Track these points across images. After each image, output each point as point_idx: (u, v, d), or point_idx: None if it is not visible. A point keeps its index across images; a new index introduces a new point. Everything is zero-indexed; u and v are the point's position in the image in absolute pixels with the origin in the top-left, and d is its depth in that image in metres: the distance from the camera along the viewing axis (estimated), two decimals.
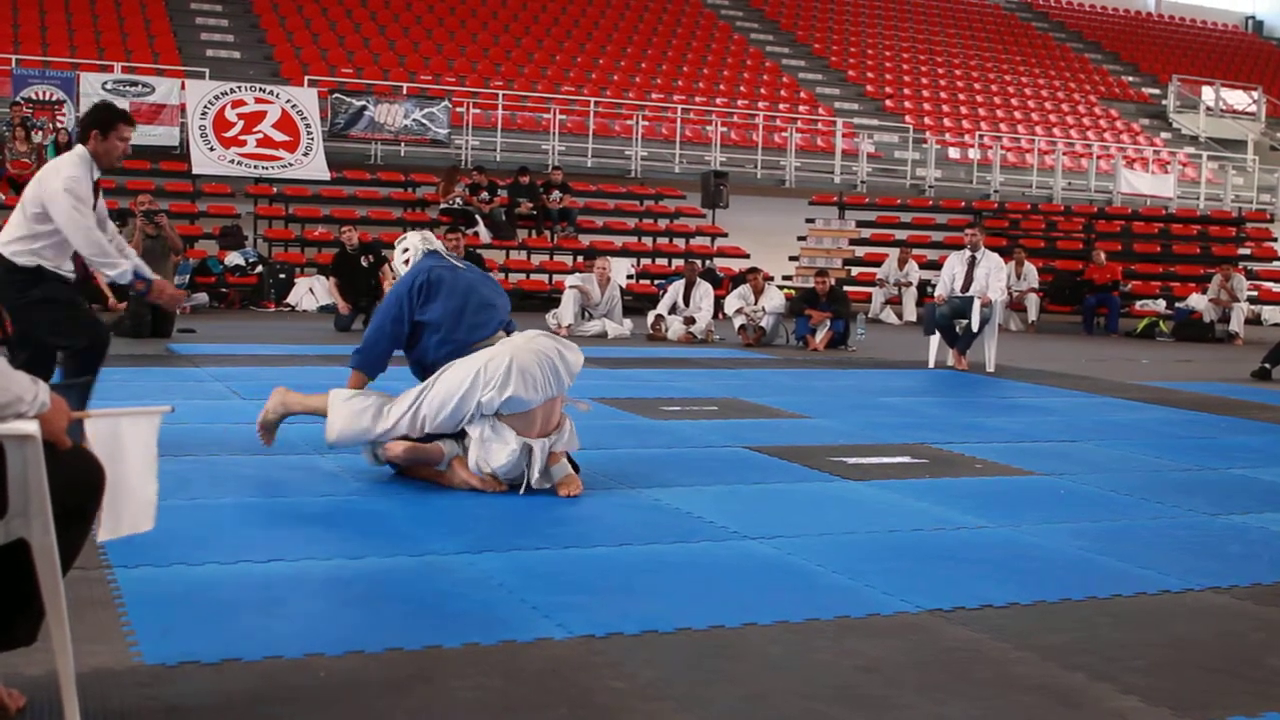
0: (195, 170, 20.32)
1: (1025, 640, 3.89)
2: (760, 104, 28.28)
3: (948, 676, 3.57)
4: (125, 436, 3.06)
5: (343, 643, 3.60)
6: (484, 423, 5.72)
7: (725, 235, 23.07)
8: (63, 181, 6.05)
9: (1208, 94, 34.98)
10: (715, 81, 29.28)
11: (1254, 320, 21.45)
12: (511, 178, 21.77)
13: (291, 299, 18.33)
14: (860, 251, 23.30)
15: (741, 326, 15.20)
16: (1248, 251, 23.96)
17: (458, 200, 20.40)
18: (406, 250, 6.37)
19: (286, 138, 20.73)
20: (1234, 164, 30.83)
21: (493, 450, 5.71)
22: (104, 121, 6.26)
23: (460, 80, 25.51)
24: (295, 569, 4.39)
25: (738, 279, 17.66)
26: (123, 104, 20.15)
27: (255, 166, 20.45)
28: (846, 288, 17.21)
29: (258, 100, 20.87)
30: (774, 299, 15.46)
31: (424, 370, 6.06)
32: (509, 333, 6.06)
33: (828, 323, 14.75)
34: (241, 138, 20.47)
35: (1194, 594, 4.52)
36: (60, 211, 6.06)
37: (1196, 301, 19.82)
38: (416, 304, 6.02)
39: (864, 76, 32.31)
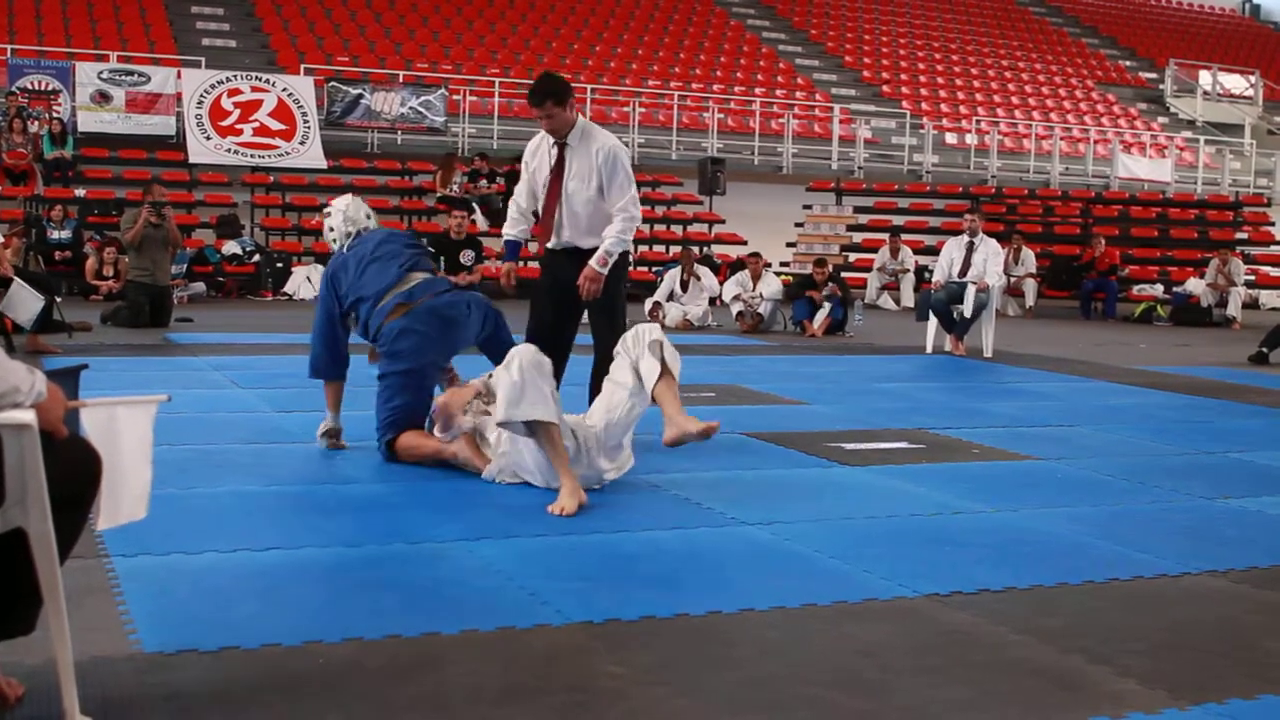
0: (191, 159, 20.31)
1: (1022, 624, 3.90)
2: (757, 90, 28.24)
3: (945, 660, 3.57)
4: (121, 425, 3.06)
5: (342, 630, 3.60)
6: (546, 471, 5.54)
7: (723, 222, 23.06)
8: None
9: (1205, 78, 34.93)
10: (712, 68, 29.25)
11: (1251, 304, 21.47)
12: (508, 165, 21.75)
13: (289, 288, 18.32)
14: (858, 237, 23.28)
15: (739, 313, 15.20)
16: (1245, 236, 23.98)
17: (454, 188, 20.40)
18: (332, 230, 6.51)
19: (283, 126, 20.71)
20: (1231, 148, 30.81)
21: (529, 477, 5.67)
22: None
23: (456, 68, 25.48)
24: (294, 556, 4.39)
25: (736, 265, 17.66)
26: (118, 93, 20.22)
27: (252, 155, 20.44)
28: (844, 274, 17.20)
29: (254, 89, 20.85)
30: (771, 285, 15.47)
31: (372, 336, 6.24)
32: (422, 271, 6.26)
33: (826, 307, 14.75)
34: (238, 126, 20.46)
35: (1191, 577, 4.52)
36: None
37: (1194, 286, 19.83)
38: (337, 295, 6.28)
39: (860, 62, 32.27)
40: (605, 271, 6.53)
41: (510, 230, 6.93)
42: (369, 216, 6.55)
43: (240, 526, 4.77)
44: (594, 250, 6.57)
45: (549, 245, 6.78)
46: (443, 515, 5.08)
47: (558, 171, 6.60)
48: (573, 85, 6.86)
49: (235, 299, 17.72)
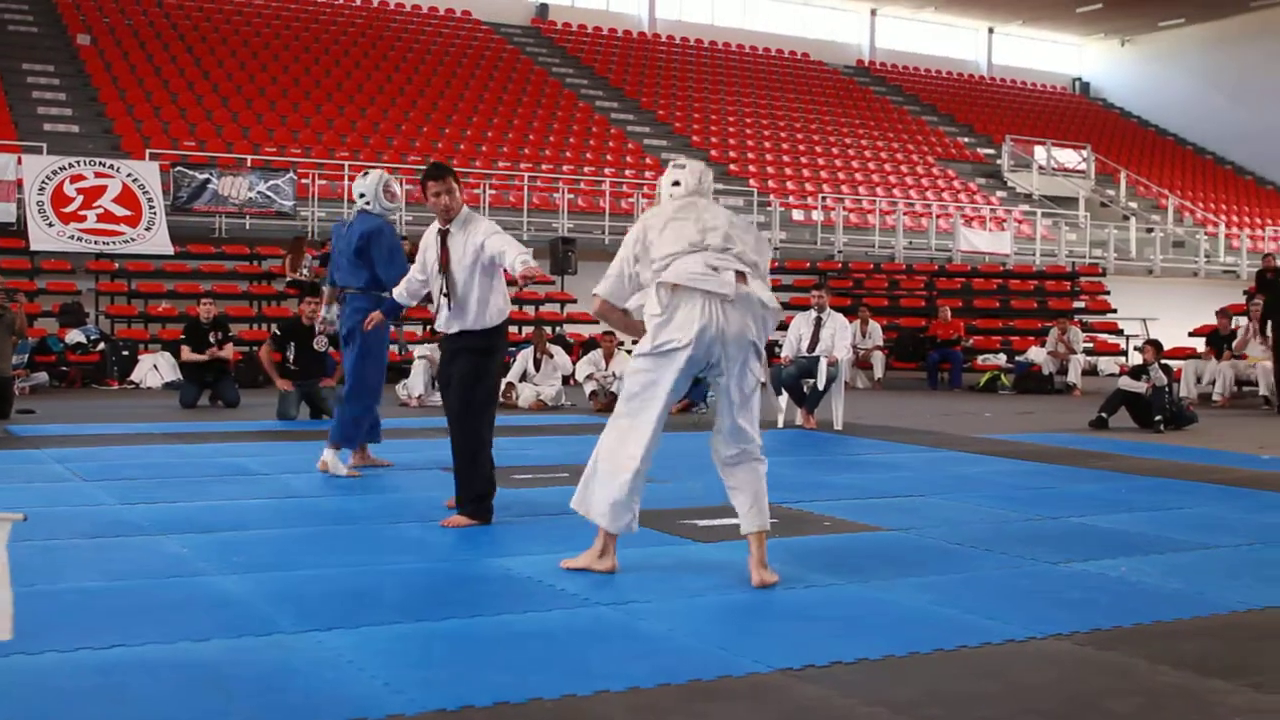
0: (34, 246, 19.84)
1: (874, 695, 3.94)
2: (606, 170, 28.50)
3: None
4: None
5: None
6: None
7: (574, 301, 23.15)
8: None
9: (1040, 153, 36.14)
10: (561, 149, 29.47)
11: (1090, 371, 22.05)
12: None
13: (135, 376, 17.95)
14: None
15: (593, 392, 15.24)
16: (1082, 305, 24.69)
17: (304, 271, 20.20)
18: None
19: (128, 212, 20.37)
20: (1067, 220, 31.80)
21: None
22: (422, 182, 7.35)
23: (305, 151, 25.34)
24: (138, 654, 4.28)
25: (588, 344, 17.72)
26: None
27: (96, 242, 20.04)
28: None
29: (97, 174, 20.49)
30: (624, 364, 15.53)
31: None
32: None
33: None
34: (81, 213, 20.05)
35: (1037, 641, 4.62)
36: None
37: (1035, 354, 20.33)
38: None
39: (708, 141, 32.77)
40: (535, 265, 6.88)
41: (400, 289, 7.87)
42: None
43: (81, 625, 4.63)
44: (468, 333, 7.07)
45: (444, 331, 7.27)
46: (293, 607, 4.99)
47: (444, 259, 7.19)
48: (418, 166, 7.14)
49: (79, 389, 17.31)
